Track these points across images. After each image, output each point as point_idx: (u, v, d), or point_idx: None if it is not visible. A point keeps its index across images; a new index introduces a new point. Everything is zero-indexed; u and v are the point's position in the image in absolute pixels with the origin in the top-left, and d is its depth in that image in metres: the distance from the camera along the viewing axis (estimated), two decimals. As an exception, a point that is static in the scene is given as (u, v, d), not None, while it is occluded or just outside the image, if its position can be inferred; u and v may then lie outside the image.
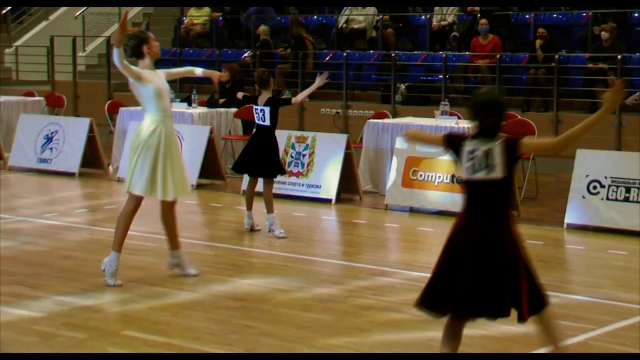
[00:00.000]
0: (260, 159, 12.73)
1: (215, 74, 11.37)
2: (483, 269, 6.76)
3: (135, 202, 10.22)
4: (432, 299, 6.97)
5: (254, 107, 12.64)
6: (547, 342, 7.17)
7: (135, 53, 10.28)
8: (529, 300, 6.80)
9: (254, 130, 13.00)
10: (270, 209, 12.58)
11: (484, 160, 6.77)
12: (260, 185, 12.78)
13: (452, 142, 6.97)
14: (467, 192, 6.98)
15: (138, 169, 10.06)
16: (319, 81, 13.02)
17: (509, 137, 6.88)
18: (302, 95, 13.20)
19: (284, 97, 14.33)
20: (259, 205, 12.78)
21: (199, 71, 11.13)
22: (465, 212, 6.99)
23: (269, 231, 12.46)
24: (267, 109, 12.45)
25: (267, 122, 12.56)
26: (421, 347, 8.13)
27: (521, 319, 6.82)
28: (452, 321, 6.97)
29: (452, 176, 13.99)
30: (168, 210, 10.44)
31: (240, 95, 13.19)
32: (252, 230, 12.82)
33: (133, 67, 10.05)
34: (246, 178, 13.44)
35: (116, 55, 9.91)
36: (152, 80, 10.09)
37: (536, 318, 7.02)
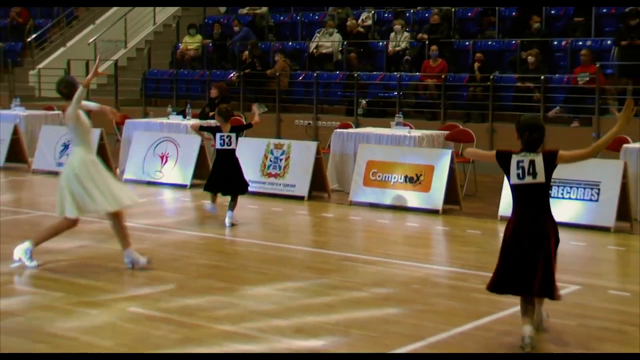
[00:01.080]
0: (231, 179, 12.84)
1: (107, 110, 10.97)
2: (536, 257, 7.43)
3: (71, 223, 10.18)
4: (499, 285, 7.65)
5: (219, 134, 12.70)
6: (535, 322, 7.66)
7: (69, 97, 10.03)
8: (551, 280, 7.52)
9: (216, 154, 13.04)
10: (232, 207, 12.78)
11: (530, 168, 7.47)
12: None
13: (501, 158, 7.69)
14: (516, 195, 7.66)
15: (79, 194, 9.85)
16: (254, 109, 14.04)
17: (547, 150, 7.59)
18: (256, 117, 13.37)
19: (246, 124, 14.40)
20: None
21: (93, 105, 10.71)
22: (516, 211, 7.67)
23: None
24: (233, 135, 12.66)
25: (234, 146, 12.76)
26: (379, 321, 8.08)
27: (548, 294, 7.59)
28: (523, 300, 7.54)
29: (405, 177, 13.99)
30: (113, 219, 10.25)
31: (201, 124, 12.96)
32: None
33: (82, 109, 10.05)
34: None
35: (80, 94, 9.82)
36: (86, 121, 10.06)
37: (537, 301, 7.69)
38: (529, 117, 8.17)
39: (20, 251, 10.18)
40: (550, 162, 7.54)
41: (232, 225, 12.53)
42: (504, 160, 7.66)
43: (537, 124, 7.77)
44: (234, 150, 12.76)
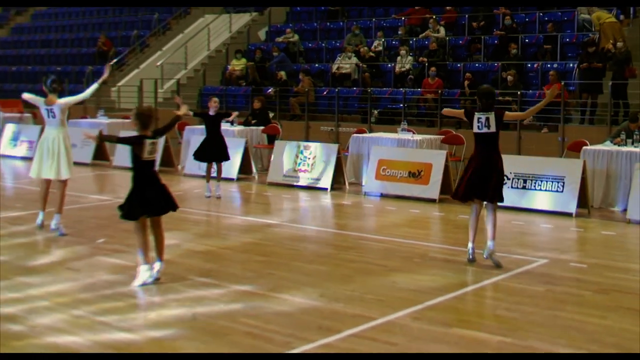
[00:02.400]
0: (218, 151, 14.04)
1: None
2: (486, 175, 8.94)
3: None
4: (464, 195, 9.17)
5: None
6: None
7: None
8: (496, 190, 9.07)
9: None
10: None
11: (486, 122, 8.94)
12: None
13: (468, 114, 9.22)
14: (476, 140, 9.07)
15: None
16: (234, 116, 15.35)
17: (498, 110, 9.07)
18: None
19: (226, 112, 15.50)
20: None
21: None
22: (476, 150, 9.08)
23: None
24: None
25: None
26: (387, 288, 8.11)
27: (492, 200, 9.06)
28: (474, 204, 9.19)
29: (409, 172, 14.01)
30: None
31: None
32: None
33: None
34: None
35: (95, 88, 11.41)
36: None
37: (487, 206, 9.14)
38: (485, 87, 9.43)
39: (56, 220, 10.65)
40: (499, 118, 8.98)
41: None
42: (469, 115, 9.13)
43: (491, 92, 9.17)
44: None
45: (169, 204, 8.19)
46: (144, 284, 8.03)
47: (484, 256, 9.09)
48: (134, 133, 8.34)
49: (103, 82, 11.78)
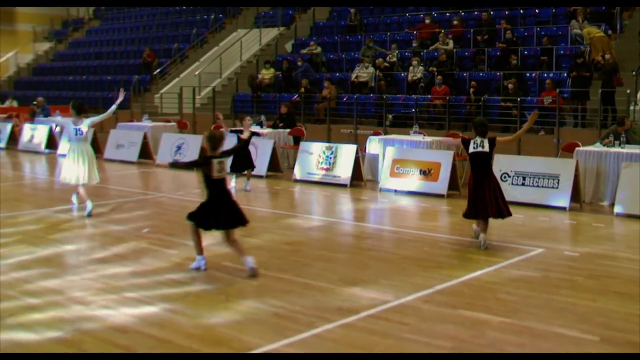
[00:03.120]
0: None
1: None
2: (486, 195, 9.18)
3: None
4: (473, 214, 9.40)
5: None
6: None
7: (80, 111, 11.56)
8: (501, 206, 9.31)
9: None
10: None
11: (481, 144, 9.26)
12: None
13: (465, 142, 9.55)
14: (471, 161, 9.39)
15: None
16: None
17: (490, 136, 9.35)
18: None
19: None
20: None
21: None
22: (473, 173, 9.36)
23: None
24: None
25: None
26: (400, 274, 8.10)
27: (501, 216, 9.31)
28: (482, 221, 9.34)
29: (420, 170, 13.97)
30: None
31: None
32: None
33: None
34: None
35: (113, 110, 12.01)
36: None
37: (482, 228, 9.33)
38: (479, 119, 9.92)
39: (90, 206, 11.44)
40: (492, 143, 9.29)
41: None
42: (466, 143, 9.49)
43: (484, 122, 9.55)
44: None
45: (239, 219, 8.09)
46: (197, 269, 8.19)
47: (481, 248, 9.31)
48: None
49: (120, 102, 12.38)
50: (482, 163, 9.30)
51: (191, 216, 8.13)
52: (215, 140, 8.10)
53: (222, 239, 8.14)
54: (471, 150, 9.31)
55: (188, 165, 9.04)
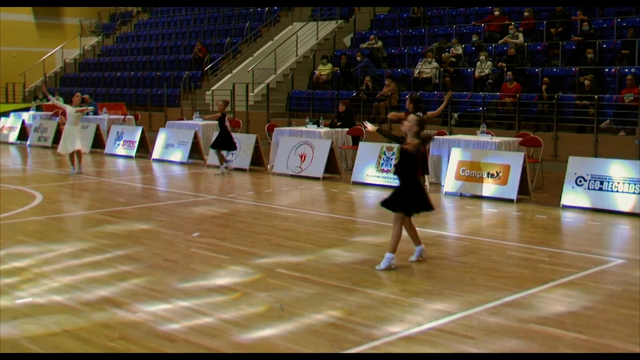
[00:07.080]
0: None
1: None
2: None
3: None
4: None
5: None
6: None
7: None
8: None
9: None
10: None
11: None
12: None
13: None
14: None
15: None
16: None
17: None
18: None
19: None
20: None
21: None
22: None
23: None
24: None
25: None
26: (467, 284, 8.04)
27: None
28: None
29: (487, 173, 13.83)
30: None
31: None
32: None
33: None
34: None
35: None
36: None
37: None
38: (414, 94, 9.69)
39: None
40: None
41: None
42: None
43: (419, 98, 9.68)
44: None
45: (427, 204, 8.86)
46: (387, 269, 8.50)
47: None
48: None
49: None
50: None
51: (393, 204, 8.82)
52: (424, 124, 8.73)
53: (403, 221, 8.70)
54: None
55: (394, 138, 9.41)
